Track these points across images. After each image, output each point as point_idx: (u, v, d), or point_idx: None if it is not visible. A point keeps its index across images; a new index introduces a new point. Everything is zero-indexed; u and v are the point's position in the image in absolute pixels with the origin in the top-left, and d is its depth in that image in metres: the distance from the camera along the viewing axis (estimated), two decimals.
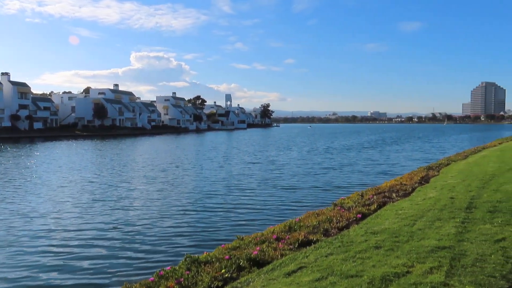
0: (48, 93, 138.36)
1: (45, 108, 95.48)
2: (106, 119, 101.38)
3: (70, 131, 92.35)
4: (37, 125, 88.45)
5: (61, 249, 10.23)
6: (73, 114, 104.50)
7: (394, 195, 11.24)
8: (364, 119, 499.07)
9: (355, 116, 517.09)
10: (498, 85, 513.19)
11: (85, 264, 9.19)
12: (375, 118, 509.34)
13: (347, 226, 8.01)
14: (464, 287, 4.40)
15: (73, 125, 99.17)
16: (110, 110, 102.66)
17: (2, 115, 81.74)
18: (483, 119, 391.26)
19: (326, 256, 5.89)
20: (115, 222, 12.99)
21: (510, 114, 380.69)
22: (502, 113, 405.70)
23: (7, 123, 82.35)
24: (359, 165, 29.19)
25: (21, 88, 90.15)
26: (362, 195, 11.49)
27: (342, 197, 11.82)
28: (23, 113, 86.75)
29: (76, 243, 10.77)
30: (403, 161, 32.71)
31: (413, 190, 12.04)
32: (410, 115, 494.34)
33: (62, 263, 9.26)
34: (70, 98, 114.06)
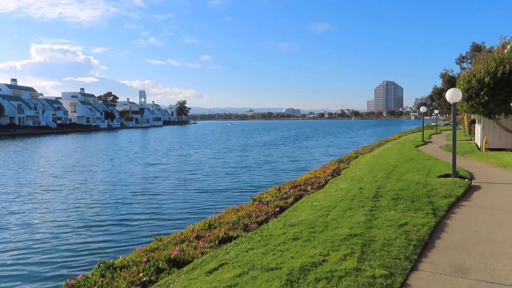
0: None
1: None
2: (3, 118, 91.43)
3: None
4: None
5: None
6: None
7: (309, 187, 11.72)
8: (280, 116, 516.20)
9: (271, 113, 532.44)
10: (397, 83, 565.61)
11: None
12: (290, 115, 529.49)
13: (266, 220, 8.16)
14: (374, 270, 4.71)
15: None
16: (8, 107, 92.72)
17: None
18: (385, 114, 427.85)
19: (246, 251, 5.91)
20: (19, 230, 11.73)
21: (407, 110, 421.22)
22: (401, 109, 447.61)
23: None
24: (275, 159, 30.07)
25: None
26: (279, 189, 11.80)
27: (260, 192, 12.02)
28: None
29: None
30: (317, 155, 34.40)
31: (326, 182, 12.68)
32: (321, 112, 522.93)
33: None
34: None
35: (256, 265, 5.16)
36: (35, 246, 10.23)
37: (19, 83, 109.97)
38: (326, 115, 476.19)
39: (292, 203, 9.62)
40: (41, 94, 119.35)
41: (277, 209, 8.95)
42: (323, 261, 5.12)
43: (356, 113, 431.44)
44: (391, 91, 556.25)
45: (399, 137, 38.29)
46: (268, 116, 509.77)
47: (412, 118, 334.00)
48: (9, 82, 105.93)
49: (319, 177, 13.69)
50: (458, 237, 6.14)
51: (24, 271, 8.56)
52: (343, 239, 5.98)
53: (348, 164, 17.48)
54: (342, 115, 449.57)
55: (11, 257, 9.50)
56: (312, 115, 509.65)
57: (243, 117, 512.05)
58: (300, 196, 10.45)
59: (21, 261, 9.17)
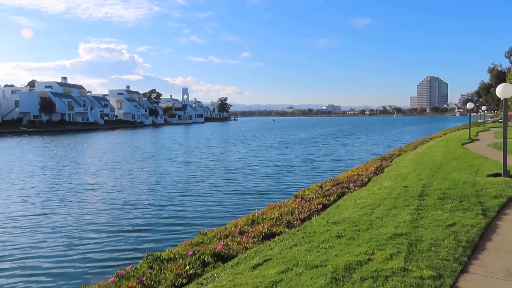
0: None
1: None
2: (55, 114, 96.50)
3: (14, 127, 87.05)
4: None
5: (15, 252, 9.64)
6: (16, 109, 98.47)
7: (351, 185, 11.57)
8: (320, 112, 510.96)
9: (311, 109, 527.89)
10: (442, 79, 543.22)
11: (40, 267, 8.74)
12: (330, 111, 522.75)
13: (309, 217, 8.16)
14: (422, 271, 4.61)
15: (17, 121, 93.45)
16: (59, 104, 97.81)
17: None
18: (429, 111, 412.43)
19: (290, 248, 5.96)
20: (70, 221, 12.44)
21: (452, 106, 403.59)
22: (445, 105, 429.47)
23: None
24: (315, 156, 29.84)
25: None
26: (321, 186, 11.73)
27: (302, 189, 12.01)
28: None
29: (30, 245, 10.21)
30: (358, 152, 33.80)
31: (369, 180, 12.46)
32: (362, 108, 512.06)
33: (16, 267, 8.74)
34: (13, 92, 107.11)
35: (300, 262, 5.19)
36: (85, 238, 10.79)
37: (69, 81, 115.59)
38: (367, 112, 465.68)
39: (335, 201, 9.55)
40: (89, 92, 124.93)
41: (320, 206, 8.92)
42: (368, 260, 5.07)
43: (398, 110, 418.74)
44: (435, 87, 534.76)
45: (444, 134, 36.80)
46: (308, 112, 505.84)
47: (457, 114, 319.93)
48: (59, 80, 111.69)
49: (361, 175, 13.47)
50: (511, 239, 5.88)
51: (77, 262, 9.05)
52: (389, 238, 5.89)
53: (391, 161, 17.06)
54: (384, 111, 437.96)
55: (64, 247, 10.09)
56: (353, 112, 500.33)
57: (283, 113, 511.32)
58: (343, 194, 10.35)
59: (74, 252, 9.71)
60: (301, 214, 8.33)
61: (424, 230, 6.19)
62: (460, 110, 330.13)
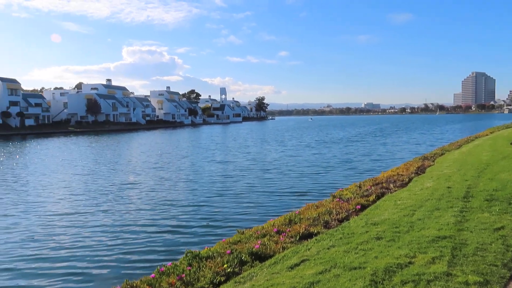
0: (39, 90, 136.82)
1: (37, 105, 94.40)
2: (100, 115, 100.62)
3: (63, 127, 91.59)
4: (29, 122, 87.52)
5: (60, 248, 10.11)
6: (65, 110, 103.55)
7: (391, 185, 11.28)
8: (358, 111, 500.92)
9: (350, 108, 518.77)
10: (488, 75, 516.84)
11: (85, 261, 9.13)
12: (369, 110, 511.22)
13: (347, 218, 8.03)
14: (467, 276, 4.43)
15: (66, 122, 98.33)
16: (104, 105, 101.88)
17: None
18: (474, 108, 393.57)
19: (328, 249, 5.90)
20: (114, 219, 12.93)
21: (500, 103, 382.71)
22: (492, 102, 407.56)
23: None
24: (354, 156, 29.31)
25: (11, 85, 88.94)
26: (360, 186, 11.52)
27: (340, 189, 11.84)
28: (14, 109, 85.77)
29: (75, 240, 10.70)
30: (398, 152, 32.88)
31: (410, 180, 12.10)
32: (403, 106, 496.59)
33: (61, 262, 9.18)
34: (62, 94, 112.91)
35: (339, 263, 5.13)
36: (126, 236, 11.15)
37: (113, 83, 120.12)
38: (408, 110, 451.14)
39: (374, 201, 9.35)
40: (132, 93, 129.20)
41: (358, 206, 8.76)
42: (409, 263, 4.93)
43: (441, 107, 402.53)
44: (481, 83, 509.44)
45: (491, 132, 35.00)
46: (346, 111, 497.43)
47: (506, 112, 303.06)
48: (104, 83, 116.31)
49: (402, 175, 13.10)
50: None
51: (119, 258, 9.38)
52: (431, 240, 5.70)
53: (433, 161, 16.46)
54: (426, 109, 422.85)
55: (106, 244, 10.49)
56: (393, 110, 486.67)
57: (320, 112, 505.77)
58: (382, 194, 10.11)
59: (116, 249, 10.07)
60: (339, 215, 8.22)
61: (470, 233, 5.94)
62: (509, 107, 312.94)
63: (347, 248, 5.75)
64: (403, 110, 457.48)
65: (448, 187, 9.64)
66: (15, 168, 26.78)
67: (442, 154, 19.18)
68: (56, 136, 70.80)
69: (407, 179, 12.16)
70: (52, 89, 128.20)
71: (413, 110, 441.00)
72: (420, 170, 13.95)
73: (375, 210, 8.33)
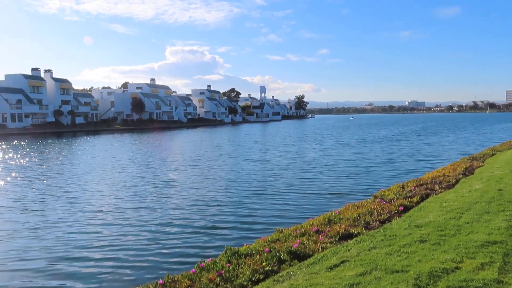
0: (88, 89, 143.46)
1: (86, 104, 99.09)
2: (144, 113, 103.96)
3: (110, 125, 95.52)
4: (79, 120, 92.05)
5: (103, 244, 10.42)
6: (112, 109, 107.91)
7: (437, 186, 10.84)
8: (402, 109, 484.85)
9: (392, 106, 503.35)
10: None
11: (127, 256, 9.38)
12: (413, 108, 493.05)
13: (388, 219, 7.81)
14: None
15: (112, 120, 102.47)
16: (148, 104, 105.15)
17: (46, 111, 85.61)
18: None
19: (369, 250, 5.75)
20: (156, 214, 13.29)
21: None
22: None
23: (51, 118, 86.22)
24: (397, 156, 28.45)
25: (63, 85, 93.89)
26: (403, 187, 11.16)
27: (381, 189, 11.53)
28: (66, 108, 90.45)
29: (117, 235, 11.04)
30: (444, 152, 31.57)
31: (457, 181, 11.57)
32: (450, 104, 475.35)
33: (104, 257, 9.47)
34: (109, 93, 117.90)
35: (380, 266, 4.99)
36: (166, 232, 11.41)
37: (157, 83, 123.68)
38: (455, 108, 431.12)
39: (418, 203, 9.02)
40: (174, 92, 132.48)
41: (401, 208, 8.49)
42: (456, 268, 4.71)
43: (492, 105, 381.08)
44: None
45: None
46: (389, 109, 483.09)
47: None
48: (149, 82, 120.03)
49: (448, 176, 12.56)
50: None
51: (160, 254, 9.60)
52: (480, 245, 5.41)
53: (483, 162, 15.65)
54: (475, 107, 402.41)
55: (147, 240, 10.80)
56: (438, 108, 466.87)
57: (361, 110, 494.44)
58: (427, 196, 9.74)
59: (157, 245, 10.34)
60: (381, 216, 8.00)
61: None
62: None
63: (389, 250, 5.58)
64: (450, 108, 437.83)
65: (499, 190, 9.14)
66: (64, 164, 28.22)
67: (492, 155, 18.21)
68: (103, 134, 73.88)
69: (454, 180, 11.65)
70: (100, 88, 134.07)
71: (461, 108, 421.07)
72: (468, 171, 13.31)
73: (419, 212, 8.04)
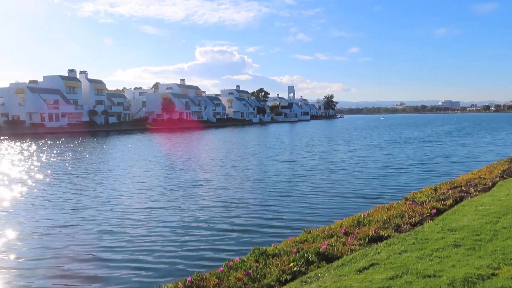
0: (121, 89, 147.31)
1: (119, 104, 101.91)
2: (174, 113, 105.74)
3: (141, 125, 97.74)
4: (112, 120, 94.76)
5: (130, 243, 10.51)
6: (143, 109, 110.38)
7: (472, 189, 10.47)
8: (435, 109, 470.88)
9: (425, 106, 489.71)
10: None
11: (153, 256, 9.47)
12: (447, 108, 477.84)
13: (420, 222, 7.60)
14: None
15: (144, 119, 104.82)
16: (178, 104, 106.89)
17: (81, 111, 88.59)
18: None
19: (399, 253, 5.62)
20: (182, 215, 13.43)
21: None
22: None
23: (85, 118, 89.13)
24: (429, 158, 27.66)
25: (97, 85, 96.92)
26: (435, 189, 10.84)
27: (413, 191, 11.24)
28: (100, 108, 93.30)
29: (144, 235, 11.14)
30: (480, 153, 30.44)
31: (493, 184, 11.14)
32: (486, 104, 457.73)
33: (134, 252, 9.62)
34: (141, 94, 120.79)
35: (411, 270, 4.86)
36: (193, 231, 11.51)
37: (186, 83, 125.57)
38: (493, 108, 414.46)
39: (451, 206, 8.74)
40: (203, 92, 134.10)
41: (434, 211, 8.24)
42: (492, 274, 4.52)
43: None
44: None
45: None
46: (421, 109, 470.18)
47: None
48: (179, 82, 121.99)
49: (484, 178, 12.11)
50: None
51: (187, 253, 9.69)
52: None
53: None
54: None
55: (174, 239, 10.95)
56: (474, 108, 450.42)
57: (393, 110, 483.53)
58: (461, 199, 9.42)
59: (184, 244, 10.45)
60: (412, 218, 7.80)
61: None
62: None
63: (420, 254, 5.43)
64: (486, 108, 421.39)
65: None
66: (95, 163, 29.09)
67: None
68: (134, 133, 75.62)
69: (490, 183, 11.22)
70: (132, 89, 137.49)
71: (498, 108, 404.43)
72: (507, 174, 12.79)
73: (452, 215, 7.79)
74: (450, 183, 11.98)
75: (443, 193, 10.16)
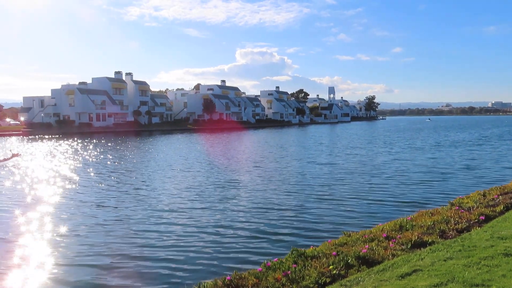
0: (163, 90, 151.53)
1: (162, 104, 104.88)
2: (214, 114, 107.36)
3: (182, 125, 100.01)
4: (155, 120, 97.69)
5: (168, 242, 10.63)
6: (185, 109, 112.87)
7: None
8: (484, 111, 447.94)
9: (473, 107, 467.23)
10: None
11: (195, 254, 9.62)
12: (498, 109, 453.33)
13: (467, 229, 7.28)
14: None
15: (185, 120, 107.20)
16: (218, 105, 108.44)
17: (126, 111, 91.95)
18: None
19: (444, 260, 5.41)
20: (219, 215, 13.48)
21: None
22: None
23: (130, 118, 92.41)
24: (477, 162, 26.37)
25: (142, 86, 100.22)
26: (484, 195, 10.34)
27: (459, 196, 10.78)
28: (143, 109, 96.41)
29: (180, 235, 11.25)
30: None
31: None
32: None
33: (167, 255, 9.71)
34: (182, 95, 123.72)
35: (457, 278, 4.67)
36: (231, 232, 11.60)
37: (227, 84, 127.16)
38: None
39: (502, 212, 8.31)
40: (243, 93, 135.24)
41: (482, 217, 7.87)
42: None
43: None
44: None
45: None
46: (469, 111, 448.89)
47: None
48: (219, 83, 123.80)
49: None
50: None
51: (225, 253, 9.76)
52: None
53: None
54: None
55: (212, 240, 11.10)
56: None
57: (438, 112, 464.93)
58: None
59: (222, 245, 10.55)
60: (458, 224, 7.49)
61: None
62: None
63: (467, 262, 5.21)
64: None
65: None
66: (137, 162, 30.07)
67: None
68: (176, 133, 77.44)
69: None
70: (174, 90, 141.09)
71: None
72: None
73: (503, 222, 7.40)
74: (500, 188, 11.39)
75: (493, 199, 9.67)
